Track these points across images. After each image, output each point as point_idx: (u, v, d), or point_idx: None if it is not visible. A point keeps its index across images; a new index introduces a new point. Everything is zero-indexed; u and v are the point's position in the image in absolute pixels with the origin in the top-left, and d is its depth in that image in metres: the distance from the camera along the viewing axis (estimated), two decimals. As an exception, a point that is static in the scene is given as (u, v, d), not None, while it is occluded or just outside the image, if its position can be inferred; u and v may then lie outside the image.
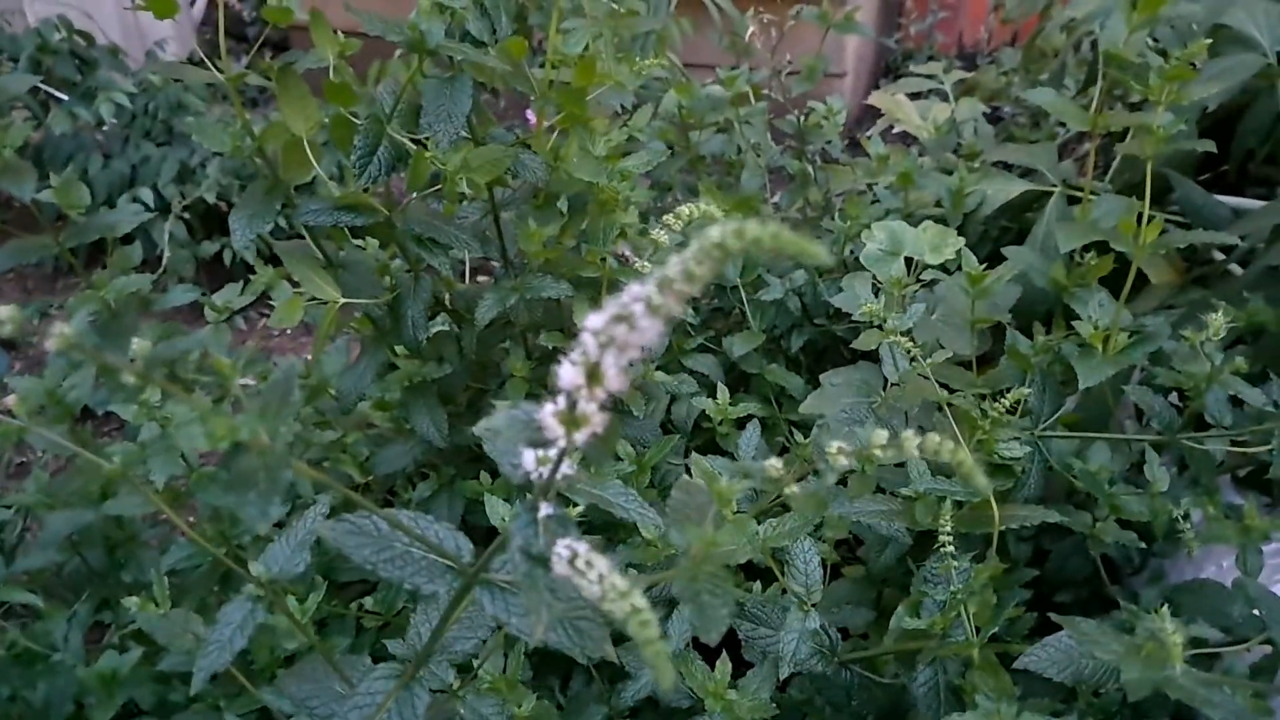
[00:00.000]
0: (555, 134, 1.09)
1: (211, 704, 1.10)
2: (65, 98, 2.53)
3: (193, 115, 2.55)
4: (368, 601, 1.21)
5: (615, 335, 0.35)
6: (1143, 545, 1.01)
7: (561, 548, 0.40)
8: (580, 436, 0.39)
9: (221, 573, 1.15)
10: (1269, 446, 0.86)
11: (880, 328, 0.94)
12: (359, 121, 0.94)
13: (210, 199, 2.42)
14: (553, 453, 0.43)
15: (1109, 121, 1.10)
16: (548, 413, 0.39)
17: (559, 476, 0.44)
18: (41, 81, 2.54)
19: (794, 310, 1.61)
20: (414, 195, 1.03)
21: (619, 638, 0.83)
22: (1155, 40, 1.36)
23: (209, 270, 2.50)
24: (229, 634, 0.60)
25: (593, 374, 0.36)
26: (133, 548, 1.37)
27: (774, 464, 0.53)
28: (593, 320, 0.35)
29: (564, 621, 0.51)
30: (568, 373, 0.37)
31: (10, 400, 2.49)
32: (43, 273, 2.64)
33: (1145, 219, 0.97)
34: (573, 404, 0.38)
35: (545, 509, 0.43)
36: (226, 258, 2.47)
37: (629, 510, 0.65)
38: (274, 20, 0.94)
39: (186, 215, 2.44)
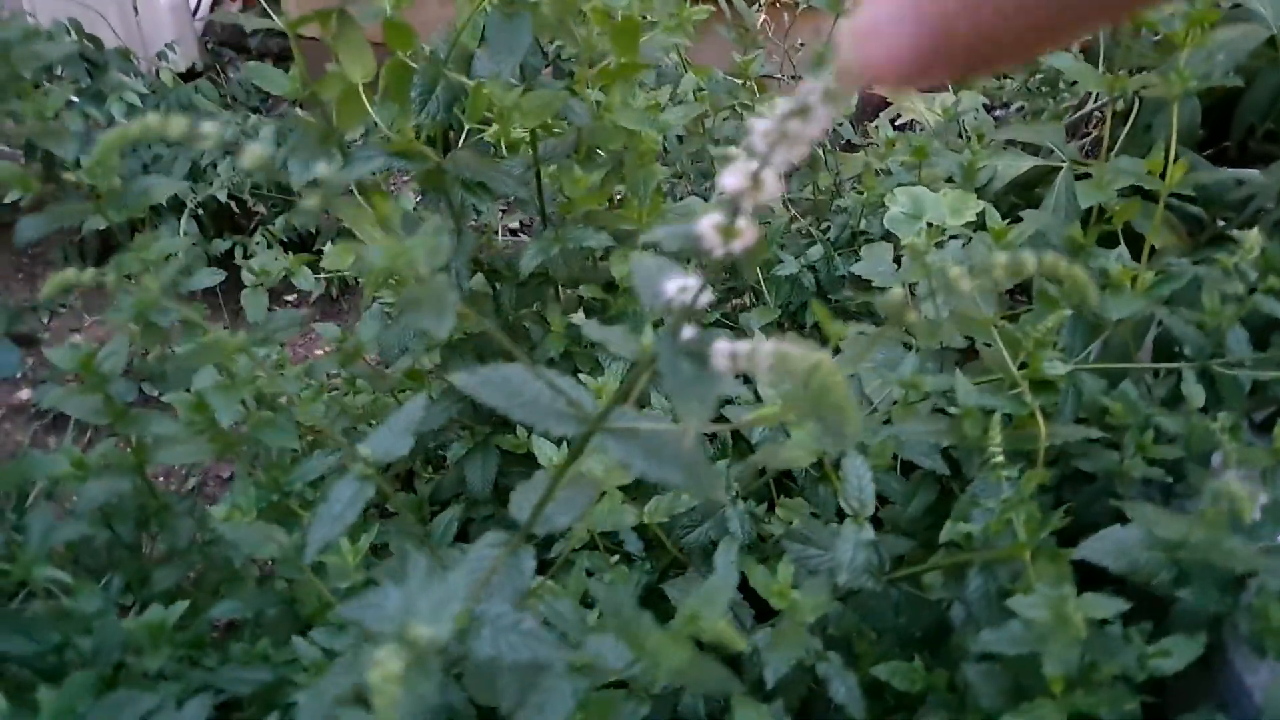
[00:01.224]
0: (597, 89, 1.13)
1: (260, 653, 1.11)
2: (75, 99, 2.55)
3: (204, 116, 2.57)
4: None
5: (788, 130, 0.37)
6: (1169, 480, 1.04)
7: (721, 345, 0.42)
8: (738, 245, 0.41)
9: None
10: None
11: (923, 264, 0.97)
12: (416, 66, 0.97)
13: (222, 197, 2.44)
14: (692, 278, 0.46)
15: (1123, 83, 1.14)
16: (707, 224, 0.41)
17: (702, 302, 0.46)
18: (52, 83, 2.56)
19: (809, 285, 1.64)
20: (462, 146, 1.06)
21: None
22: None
23: (220, 267, 2.51)
24: (340, 509, 0.62)
25: (756, 178, 0.38)
26: (166, 517, 1.37)
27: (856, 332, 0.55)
28: (763, 122, 0.37)
29: (683, 464, 0.53)
30: (731, 177, 0.39)
31: (25, 395, 2.48)
32: (51, 270, 2.64)
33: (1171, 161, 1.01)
34: (734, 211, 0.40)
35: (689, 332, 0.46)
36: (238, 254, 2.49)
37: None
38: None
39: (200, 213, 2.45)
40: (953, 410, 0.90)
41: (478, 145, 1.17)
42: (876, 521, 1.34)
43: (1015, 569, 0.83)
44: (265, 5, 1.06)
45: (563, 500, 0.63)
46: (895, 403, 0.97)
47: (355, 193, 1.13)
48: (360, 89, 0.99)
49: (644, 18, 1.12)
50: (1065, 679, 0.74)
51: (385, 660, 0.34)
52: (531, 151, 1.11)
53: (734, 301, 1.83)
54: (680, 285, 0.47)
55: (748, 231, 0.42)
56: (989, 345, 0.92)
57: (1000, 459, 0.83)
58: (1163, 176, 1.10)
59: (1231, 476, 0.64)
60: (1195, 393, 0.94)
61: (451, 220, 1.15)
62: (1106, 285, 1.03)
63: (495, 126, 1.02)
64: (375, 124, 1.02)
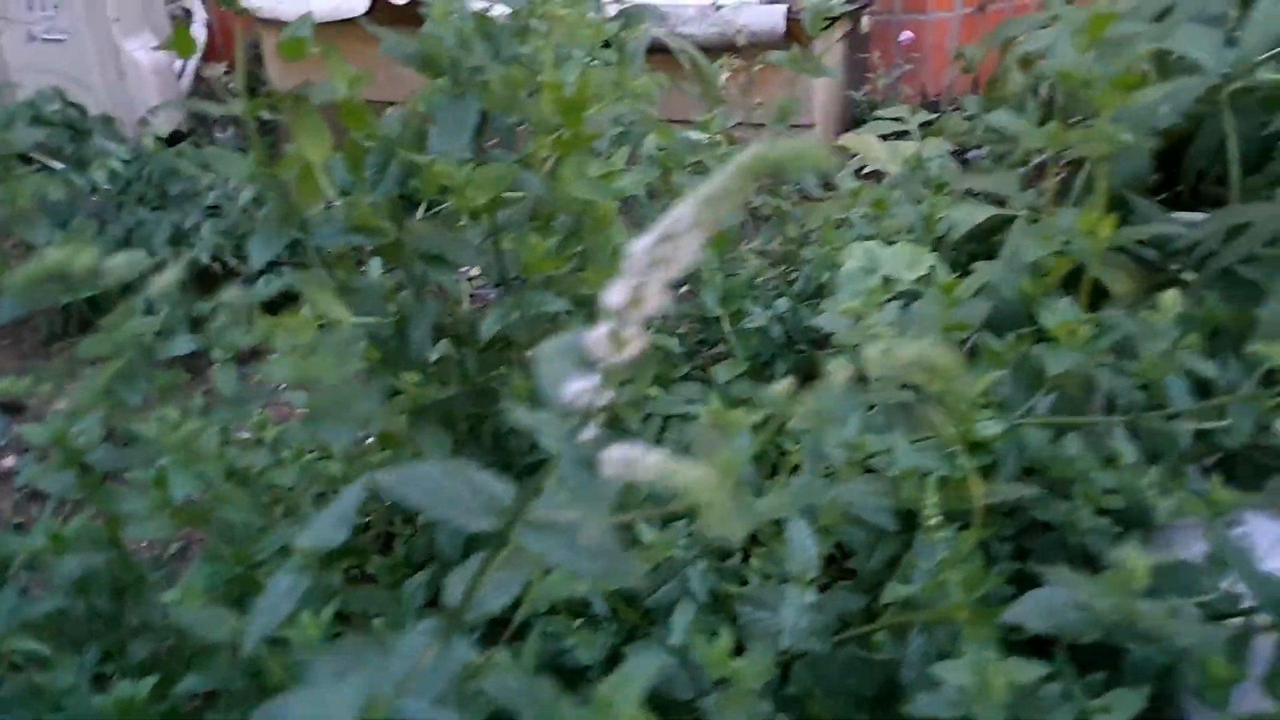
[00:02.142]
0: (549, 166, 1.17)
1: (226, 723, 1.12)
2: (60, 166, 2.60)
3: (185, 180, 2.62)
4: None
5: (661, 254, 0.40)
6: (1119, 529, 1.06)
7: (613, 451, 0.45)
8: (624, 355, 0.44)
9: (237, 595, 1.18)
10: (1226, 422, 0.92)
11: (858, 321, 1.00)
12: (370, 145, 1.00)
13: (204, 259, 2.48)
14: (595, 380, 0.49)
15: (1061, 138, 1.18)
16: (595, 335, 0.44)
17: (600, 402, 0.49)
18: (36, 151, 2.61)
19: (777, 337, 1.67)
20: (420, 216, 1.09)
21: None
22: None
23: (202, 330, 2.55)
24: (277, 600, 0.64)
25: (638, 294, 0.42)
26: (141, 589, 1.39)
27: (780, 386, 0.58)
28: (640, 243, 0.41)
29: (599, 553, 0.56)
30: (615, 293, 0.42)
31: (10, 462, 2.51)
32: (36, 338, 2.67)
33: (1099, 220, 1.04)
34: (618, 325, 0.43)
35: (589, 431, 0.48)
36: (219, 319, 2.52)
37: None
38: (288, 56, 1.01)
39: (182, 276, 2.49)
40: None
41: (440, 215, 1.20)
42: (848, 573, 1.37)
43: (954, 629, 0.85)
44: (240, 70, 1.10)
45: (496, 582, 0.65)
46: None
47: (319, 264, 1.17)
48: (318, 168, 1.03)
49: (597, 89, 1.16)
50: (1001, 739, 0.76)
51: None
52: (490, 220, 1.14)
53: (706, 353, 1.86)
54: (581, 388, 0.50)
55: (635, 342, 0.45)
56: (926, 405, 0.94)
57: (935, 520, 0.85)
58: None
59: (1133, 545, 0.67)
60: (1126, 449, 0.97)
61: (413, 289, 1.19)
62: (1049, 340, 1.06)
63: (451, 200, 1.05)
64: (332, 201, 1.05)
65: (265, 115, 1.08)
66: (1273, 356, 0.81)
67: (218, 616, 0.87)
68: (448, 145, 0.95)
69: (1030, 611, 0.75)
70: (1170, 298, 0.94)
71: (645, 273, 0.42)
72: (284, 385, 2.48)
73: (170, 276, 0.51)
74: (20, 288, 0.51)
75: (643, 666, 0.59)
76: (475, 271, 2.01)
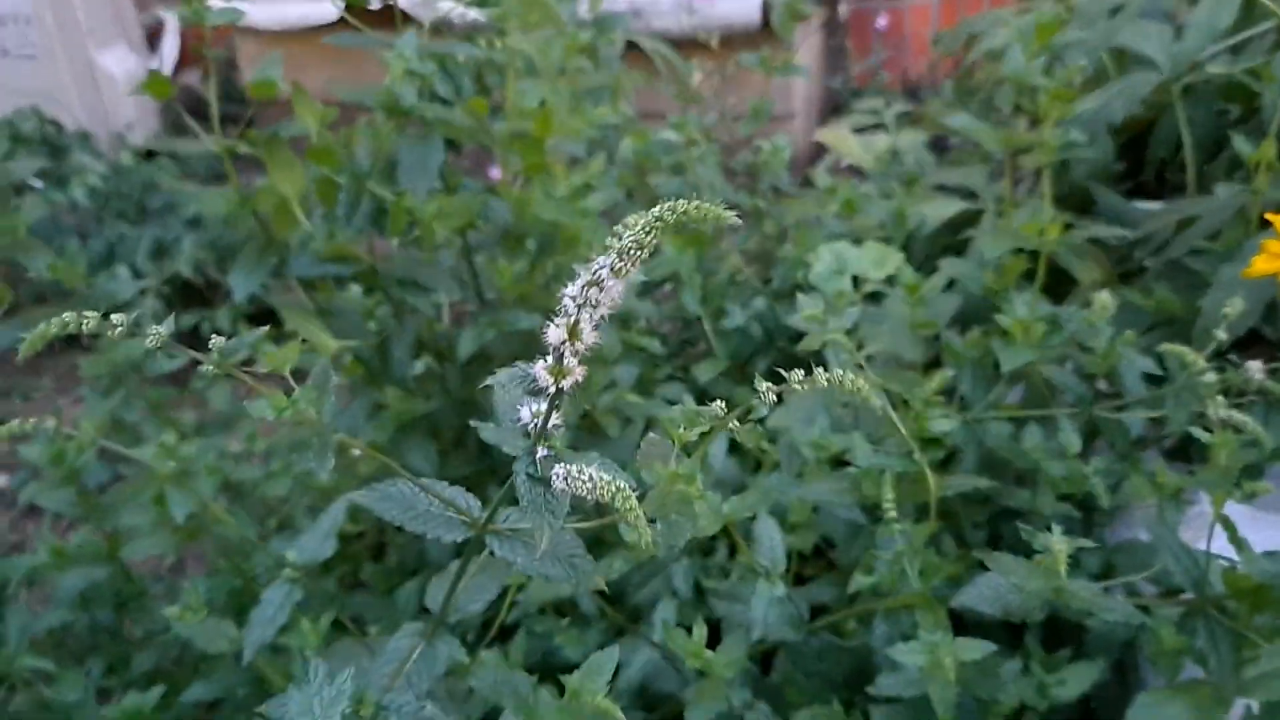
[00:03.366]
0: (520, 182, 1.24)
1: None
2: (39, 184, 2.67)
3: (165, 194, 2.69)
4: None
5: (589, 297, 0.49)
6: (1077, 514, 1.14)
7: (558, 469, 0.53)
8: (567, 383, 0.52)
9: (237, 607, 1.26)
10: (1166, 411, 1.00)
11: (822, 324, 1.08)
12: (342, 181, 1.08)
13: (187, 272, 2.55)
14: (544, 405, 0.57)
15: (1016, 141, 1.25)
16: (540, 367, 0.52)
17: (550, 425, 0.57)
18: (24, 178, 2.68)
19: (756, 336, 1.75)
20: (395, 244, 1.17)
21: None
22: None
23: (186, 344, 2.62)
24: (272, 612, 0.72)
25: (573, 331, 0.50)
26: (143, 602, 1.47)
27: (718, 405, 0.66)
28: (570, 289, 0.49)
29: (561, 559, 0.64)
30: (553, 333, 0.51)
31: (2, 481, 2.58)
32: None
33: (1048, 221, 1.12)
34: (559, 357, 0.51)
35: (541, 451, 0.57)
36: (205, 329, 2.60)
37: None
38: (258, 96, 1.09)
39: (164, 289, 2.57)
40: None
41: (415, 237, 1.28)
42: (832, 563, 1.44)
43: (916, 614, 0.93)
44: (214, 79, 1.17)
45: (474, 587, 0.73)
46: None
47: (299, 290, 1.25)
48: (293, 201, 1.10)
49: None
50: (957, 714, 0.84)
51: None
52: (463, 243, 1.22)
53: (689, 351, 1.93)
54: (533, 411, 0.58)
55: (576, 371, 0.53)
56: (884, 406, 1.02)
57: (893, 514, 0.93)
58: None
59: (1057, 532, 0.75)
60: (1071, 440, 1.05)
61: (391, 309, 1.26)
62: (1004, 336, 1.13)
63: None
64: (311, 232, 1.12)
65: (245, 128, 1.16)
66: (1184, 357, 0.89)
67: (218, 629, 0.95)
68: (414, 185, 1.02)
69: (979, 596, 0.82)
70: (1104, 298, 1.02)
71: (576, 313, 0.50)
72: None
73: (163, 330, 0.59)
74: (36, 344, 0.59)
75: (611, 658, 0.67)
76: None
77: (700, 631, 0.91)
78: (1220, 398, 0.84)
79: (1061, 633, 1.19)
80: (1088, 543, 0.74)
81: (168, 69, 3.58)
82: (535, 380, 0.54)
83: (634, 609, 1.29)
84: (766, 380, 0.66)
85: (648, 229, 0.47)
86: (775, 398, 0.62)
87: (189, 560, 2.28)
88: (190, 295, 2.65)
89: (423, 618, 0.94)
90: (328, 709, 0.49)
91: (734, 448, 1.46)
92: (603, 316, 0.51)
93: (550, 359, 0.53)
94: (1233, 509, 1.12)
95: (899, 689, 0.87)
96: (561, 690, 0.75)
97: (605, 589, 1.11)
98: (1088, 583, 0.77)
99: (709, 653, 0.90)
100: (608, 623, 1.30)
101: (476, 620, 1.31)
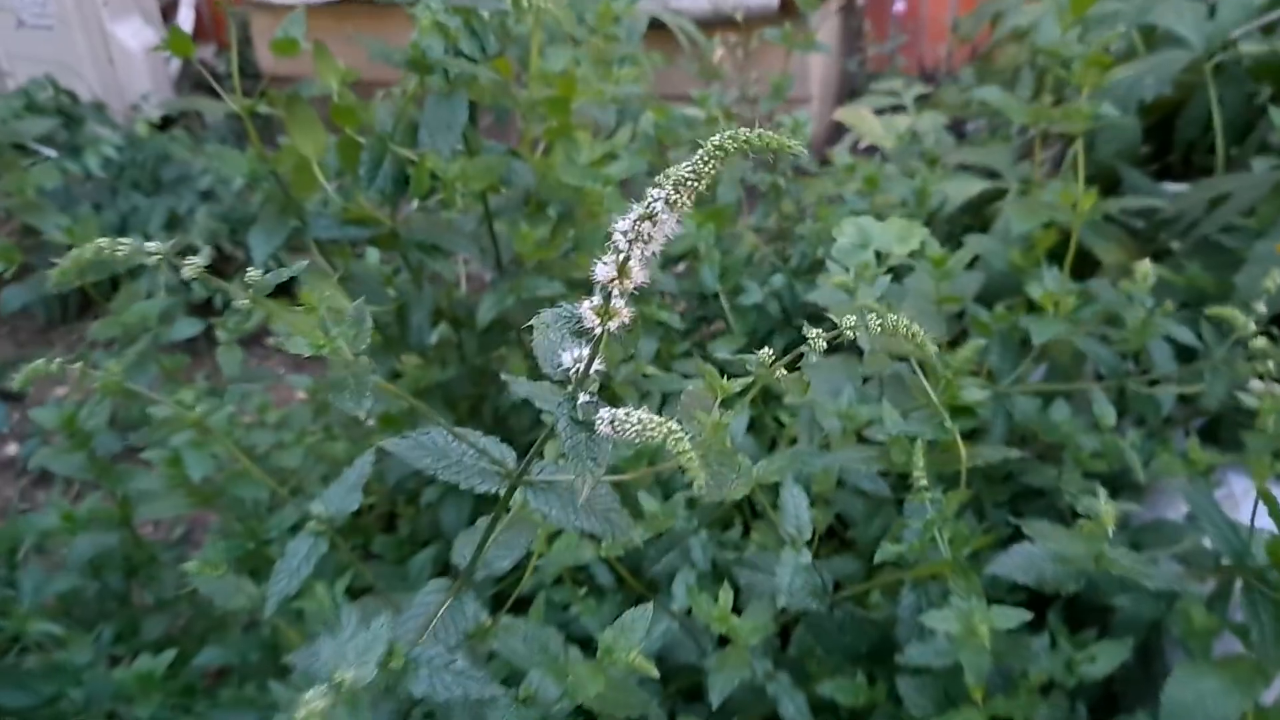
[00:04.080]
0: (542, 148, 1.22)
1: (246, 698, 1.19)
2: (53, 153, 2.65)
3: (179, 165, 2.67)
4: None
5: (641, 231, 0.46)
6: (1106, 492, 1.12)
7: (604, 413, 0.50)
8: (614, 325, 0.50)
9: (250, 570, 1.24)
10: (1203, 386, 0.98)
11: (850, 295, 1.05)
12: (364, 141, 1.05)
13: (200, 243, 2.53)
14: (587, 350, 0.54)
15: (1045, 115, 1.23)
16: (586, 307, 0.50)
17: (592, 371, 0.54)
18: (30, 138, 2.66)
19: (774, 313, 1.72)
20: (414, 210, 1.14)
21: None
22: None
23: (199, 315, 2.61)
24: (296, 563, 0.70)
25: (622, 268, 0.48)
26: (153, 568, 1.45)
27: (764, 353, 0.64)
28: (622, 223, 0.47)
29: (596, 513, 0.62)
30: (601, 269, 0.48)
31: (11, 450, 2.57)
32: (34, 325, 2.73)
33: (1082, 191, 1.10)
34: (607, 296, 0.49)
35: (583, 397, 0.54)
36: (217, 302, 2.58)
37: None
38: (280, 53, 1.06)
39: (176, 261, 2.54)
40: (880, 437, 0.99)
41: (437, 202, 1.25)
42: (848, 545, 1.42)
43: (945, 586, 0.90)
44: (228, 59, 1.15)
45: (502, 543, 0.71)
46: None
47: (318, 253, 1.22)
48: (313, 162, 1.08)
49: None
50: (986, 686, 0.82)
51: (312, 701, 0.42)
52: (483, 208, 1.20)
53: (705, 330, 1.91)
54: (575, 355, 0.56)
55: (623, 312, 0.51)
56: (915, 375, 1.00)
57: (924, 482, 0.91)
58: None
59: (1102, 494, 0.73)
60: (1106, 411, 1.02)
61: (410, 276, 1.24)
62: (1035, 310, 1.11)
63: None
64: (331, 194, 1.10)
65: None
66: (1234, 321, 0.86)
67: (237, 585, 0.93)
68: (438, 143, 1.00)
69: (1013, 565, 0.80)
70: (1145, 266, 0.99)
71: (628, 249, 0.48)
72: (284, 372, 2.54)
73: (200, 260, 0.57)
74: (69, 273, 0.57)
75: (644, 616, 0.65)
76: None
77: (726, 596, 0.89)
78: (1270, 363, 0.82)
79: (1082, 614, 1.16)
80: (1133, 506, 0.71)
81: (182, 43, 3.55)
82: (580, 321, 0.51)
83: (650, 581, 1.27)
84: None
85: (707, 157, 0.45)
86: (824, 344, 0.60)
87: (198, 532, 2.26)
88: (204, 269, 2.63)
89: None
90: (362, 656, 0.47)
91: (751, 426, 1.44)
92: (654, 253, 0.49)
93: (597, 298, 0.51)
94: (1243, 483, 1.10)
95: (928, 658, 0.85)
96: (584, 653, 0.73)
97: (623, 554, 1.10)
98: (1128, 550, 0.75)
99: (735, 618, 0.88)
100: (625, 593, 1.28)
101: (489, 591, 1.30)
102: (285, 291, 2.00)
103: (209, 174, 2.63)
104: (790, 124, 1.88)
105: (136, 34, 3.34)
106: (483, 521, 0.72)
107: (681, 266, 1.94)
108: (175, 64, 3.49)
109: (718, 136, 0.45)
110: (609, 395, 1.43)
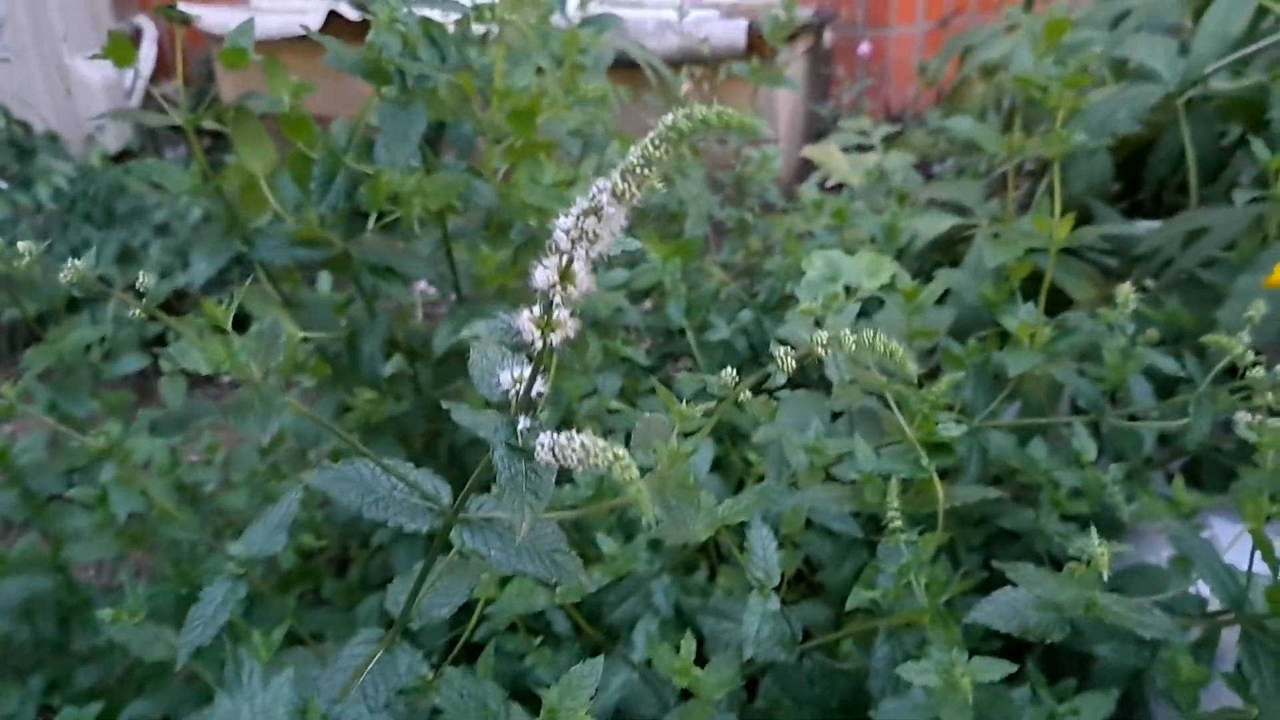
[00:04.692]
0: (504, 170, 1.16)
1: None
2: (4, 185, 2.57)
3: (134, 198, 2.59)
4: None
5: (585, 228, 0.40)
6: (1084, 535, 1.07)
7: (544, 437, 0.44)
8: (556, 338, 0.44)
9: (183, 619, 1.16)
10: (1186, 421, 0.93)
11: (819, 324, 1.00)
12: (315, 156, 0.99)
13: (152, 278, 2.45)
14: (527, 367, 0.48)
15: (1019, 144, 1.19)
16: (524, 318, 0.44)
17: (534, 392, 0.48)
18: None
19: (741, 350, 1.67)
20: (368, 235, 1.08)
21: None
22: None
23: (154, 348, 2.52)
24: (212, 610, 0.63)
25: (565, 273, 0.41)
26: (87, 615, 1.37)
27: (728, 373, 0.58)
28: (563, 219, 0.41)
29: (541, 554, 0.55)
30: (541, 275, 0.42)
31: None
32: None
33: (1057, 217, 1.06)
34: (548, 305, 0.43)
35: (523, 421, 0.48)
36: (169, 338, 2.50)
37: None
38: (229, 64, 1.00)
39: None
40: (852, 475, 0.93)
41: (391, 226, 1.19)
42: (816, 589, 1.36)
43: (920, 635, 0.85)
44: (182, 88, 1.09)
45: (441, 589, 0.64)
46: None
47: (262, 279, 1.16)
48: (261, 180, 1.02)
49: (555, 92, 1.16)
50: (967, 744, 0.76)
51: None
52: (442, 230, 1.14)
53: (671, 365, 1.86)
54: (515, 375, 0.50)
55: (567, 324, 0.45)
56: (888, 409, 0.95)
57: (898, 523, 0.85)
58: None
59: (1093, 535, 0.67)
60: (1086, 446, 0.98)
61: (363, 303, 1.18)
62: (1010, 342, 1.06)
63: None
64: (278, 213, 1.04)
65: (218, 129, 1.08)
66: (1230, 348, 0.82)
67: (157, 635, 0.85)
68: (394, 155, 0.94)
69: (995, 612, 0.75)
70: (1126, 291, 0.95)
71: (571, 249, 0.42)
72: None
73: (159, 289, 0.51)
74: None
75: (592, 673, 0.59)
76: (427, 286, 2.01)
77: (689, 647, 0.82)
78: (1269, 394, 0.77)
79: (1060, 662, 1.11)
80: (1125, 548, 0.66)
81: (145, 75, 3.49)
82: (518, 334, 0.45)
83: (610, 629, 1.20)
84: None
85: (659, 142, 0.39)
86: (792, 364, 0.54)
87: (145, 575, 2.16)
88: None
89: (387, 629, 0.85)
90: (262, 717, 0.40)
91: (717, 465, 1.39)
92: (600, 255, 0.43)
93: (537, 308, 0.45)
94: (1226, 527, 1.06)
95: (904, 714, 0.78)
96: (536, 709, 0.66)
97: (581, 599, 1.03)
98: (1120, 596, 0.69)
99: (698, 670, 0.82)
100: (583, 642, 1.21)
101: (440, 638, 1.22)
102: (238, 325, 1.90)
103: (163, 207, 2.55)
104: (759, 157, 1.85)
105: (96, 67, 3.28)
106: (418, 566, 0.65)
107: (648, 303, 1.89)
108: (136, 97, 3.42)
109: (670, 116, 0.39)
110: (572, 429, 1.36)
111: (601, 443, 0.42)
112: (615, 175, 0.40)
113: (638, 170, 0.39)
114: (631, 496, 0.40)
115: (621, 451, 0.41)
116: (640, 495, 0.39)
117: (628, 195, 0.40)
